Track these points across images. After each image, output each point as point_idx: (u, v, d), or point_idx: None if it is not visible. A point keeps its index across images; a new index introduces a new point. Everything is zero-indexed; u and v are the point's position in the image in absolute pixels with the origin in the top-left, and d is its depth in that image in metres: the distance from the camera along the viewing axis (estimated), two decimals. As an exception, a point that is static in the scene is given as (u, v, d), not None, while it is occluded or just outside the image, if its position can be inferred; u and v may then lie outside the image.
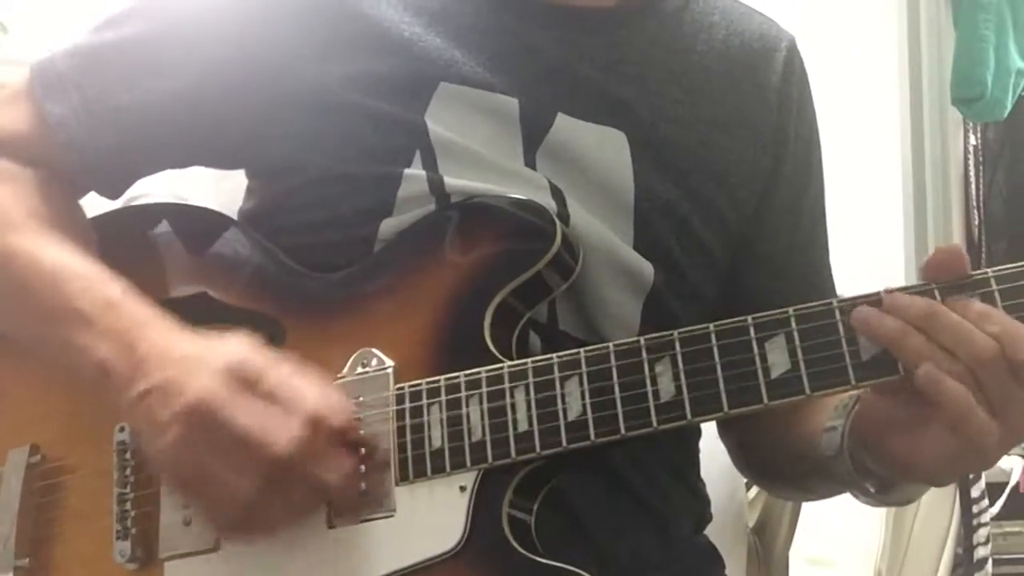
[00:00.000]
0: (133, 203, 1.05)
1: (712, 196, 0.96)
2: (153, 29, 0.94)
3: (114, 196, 1.00)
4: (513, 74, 0.91)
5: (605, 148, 0.92)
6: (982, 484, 2.19)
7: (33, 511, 0.89)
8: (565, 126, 0.91)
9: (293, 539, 0.78)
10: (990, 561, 2.18)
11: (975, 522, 2.16)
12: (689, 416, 0.75)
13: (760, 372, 0.73)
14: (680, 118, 0.95)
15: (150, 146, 0.95)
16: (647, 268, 0.91)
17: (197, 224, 0.96)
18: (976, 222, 3.19)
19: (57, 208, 0.93)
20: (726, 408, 0.74)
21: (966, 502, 2.17)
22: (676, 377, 0.75)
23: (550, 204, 0.88)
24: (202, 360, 0.77)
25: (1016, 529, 2.55)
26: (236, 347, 0.78)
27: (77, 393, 0.88)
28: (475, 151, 0.89)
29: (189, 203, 0.98)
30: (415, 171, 0.88)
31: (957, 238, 3.16)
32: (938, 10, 3.17)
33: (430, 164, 0.88)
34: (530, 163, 0.91)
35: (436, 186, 0.88)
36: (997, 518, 2.42)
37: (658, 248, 0.92)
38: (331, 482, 0.76)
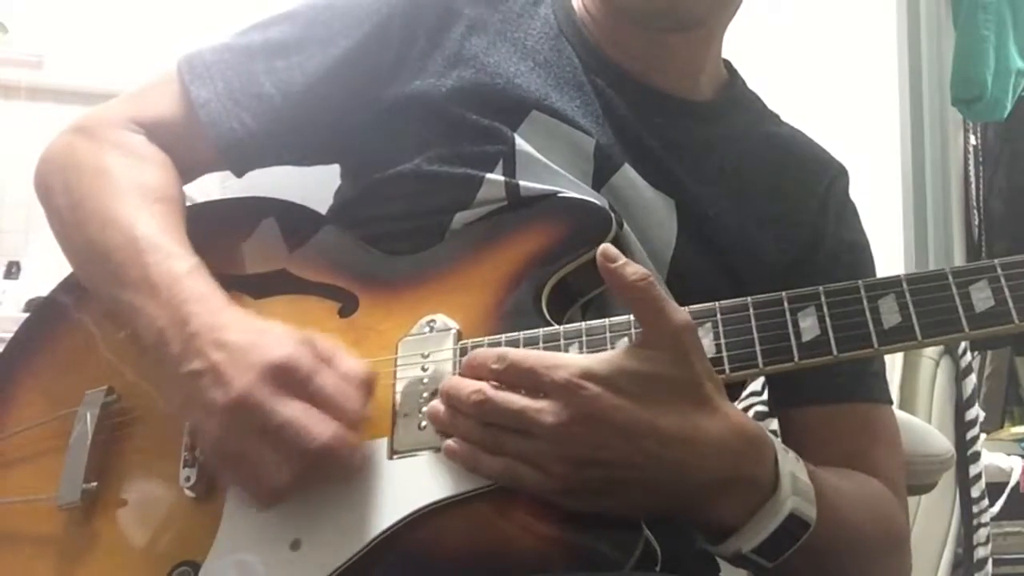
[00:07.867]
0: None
1: (745, 276, 1.03)
2: (296, 33, 1.08)
3: (240, 174, 1.11)
4: (594, 122, 1.04)
5: (658, 208, 1.02)
6: (982, 484, 2.18)
7: (103, 444, 0.94)
8: (629, 175, 1.02)
9: (354, 469, 0.83)
10: (990, 561, 2.17)
11: (975, 522, 2.16)
12: (727, 371, 0.82)
13: (792, 336, 0.82)
14: (724, 209, 1.05)
15: (281, 132, 1.07)
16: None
17: (289, 218, 1.05)
18: (976, 222, 3.19)
19: (164, 187, 1.01)
20: (760, 364, 0.82)
21: (966, 502, 2.16)
22: (716, 337, 0.83)
23: None
24: (251, 350, 0.82)
25: (1016, 529, 2.56)
26: (284, 341, 0.82)
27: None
28: (553, 168, 1.00)
29: (288, 200, 1.07)
30: (496, 176, 0.99)
31: (957, 238, 3.17)
32: (938, 10, 3.18)
33: (510, 171, 1.00)
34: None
35: (512, 190, 0.99)
36: (997, 518, 2.42)
37: (683, 302, 0.95)
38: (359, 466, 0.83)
